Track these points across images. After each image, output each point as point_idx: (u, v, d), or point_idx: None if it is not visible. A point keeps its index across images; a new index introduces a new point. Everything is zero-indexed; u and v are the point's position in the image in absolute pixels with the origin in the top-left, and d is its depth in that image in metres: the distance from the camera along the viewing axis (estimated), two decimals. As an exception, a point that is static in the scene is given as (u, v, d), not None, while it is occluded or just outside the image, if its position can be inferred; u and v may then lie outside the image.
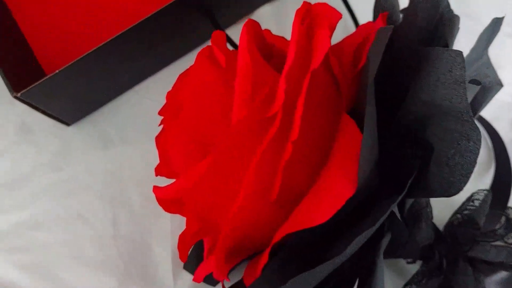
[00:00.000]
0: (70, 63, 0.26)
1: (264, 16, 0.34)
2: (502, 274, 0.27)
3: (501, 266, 0.27)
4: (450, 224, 0.26)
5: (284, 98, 0.18)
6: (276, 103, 0.18)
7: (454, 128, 0.17)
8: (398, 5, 0.25)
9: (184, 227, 0.31)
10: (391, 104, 0.19)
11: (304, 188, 0.20)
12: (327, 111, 0.21)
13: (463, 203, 0.26)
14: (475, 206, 0.25)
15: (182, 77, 0.24)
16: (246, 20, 0.29)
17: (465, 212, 0.25)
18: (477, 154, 0.16)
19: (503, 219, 0.26)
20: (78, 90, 0.30)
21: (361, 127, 0.19)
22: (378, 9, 0.26)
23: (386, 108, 0.19)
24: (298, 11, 0.22)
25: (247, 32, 0.21)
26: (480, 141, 0.16)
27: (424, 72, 0.17)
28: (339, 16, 0.21)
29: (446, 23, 0.18)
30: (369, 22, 0.24)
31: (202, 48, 0.23)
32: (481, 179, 0.30)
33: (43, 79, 0.26)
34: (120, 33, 0.27)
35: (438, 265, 0.25)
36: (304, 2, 0.22)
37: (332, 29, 0.20)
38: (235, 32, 0.33)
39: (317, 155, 0.20)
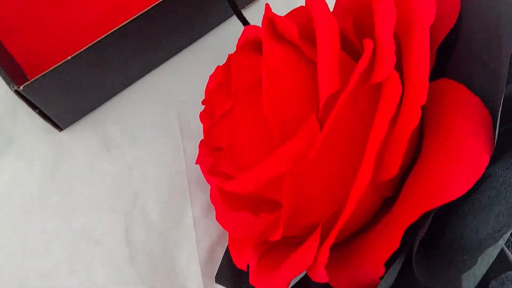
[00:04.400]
0: (73, 55, 0.22)
1: (269, 1, 0.32)
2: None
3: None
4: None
5: (395, 59, 0.16)
6: (386, 66, 0.16)
7: None
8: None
9: (209, 234, 0.28)
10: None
11: (409, 160, 0.18)
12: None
13: None
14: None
15: (238, 56, 0.21)
16: (254, 3, 0.27)
17: None
18: None
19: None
20: (75, 87, 0.25)
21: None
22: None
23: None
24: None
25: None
26: None
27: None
28: None
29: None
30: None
31: (262, 23, 0.20)
32: None
33: (47, 71, 0.21)
34: (123, 24, 0.23)
35: None
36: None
37: None
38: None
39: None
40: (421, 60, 0.16)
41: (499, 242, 0.13)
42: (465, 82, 0.18)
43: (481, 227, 0.16)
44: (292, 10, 0.23)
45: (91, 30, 0.28)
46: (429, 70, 0.15)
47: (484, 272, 0.13)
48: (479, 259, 0.13)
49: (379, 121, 0.16)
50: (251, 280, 0.22)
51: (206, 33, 0.30)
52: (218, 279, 0.27)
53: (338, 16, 0.23)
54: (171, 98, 0.29)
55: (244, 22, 0.28)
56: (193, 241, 0.27)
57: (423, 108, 0.19)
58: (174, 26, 0.27)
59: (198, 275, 0.27)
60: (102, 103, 0.28)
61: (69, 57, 0.21)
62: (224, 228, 0.24)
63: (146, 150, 0.28)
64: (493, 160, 0.18)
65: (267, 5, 0.21)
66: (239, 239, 0.23)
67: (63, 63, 0.21)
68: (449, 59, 0.20)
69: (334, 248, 0.20)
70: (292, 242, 0.20)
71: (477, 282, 0.13)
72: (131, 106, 0.28)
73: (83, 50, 0.22)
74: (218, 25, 0.31)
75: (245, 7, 0.31)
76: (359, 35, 0.21)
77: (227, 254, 0.27)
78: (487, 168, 0.18)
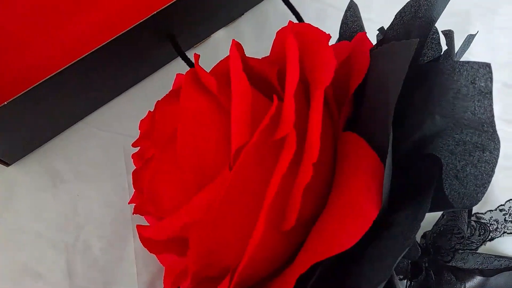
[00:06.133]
0: (16, 96, 0.23)
1: (220, 40, 0.33)
2: (478, 279, 0.28)
3: (475, 271, 0.28)
4: (431, 235, 0.26)
5: (294, 118, 0.17)
6: (286, 124, 0.17)
7: (468, 140, 0.17)
8: (364, 27, 0.26)
9: (150, 268, 0.29)
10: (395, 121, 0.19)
11: (315, 211, 0.19)
12: (325, 130, 0.20)
13: (442, 215, 0.27)
14: (455, 215, 0.26)
15: (162, 105, 0.22)
16: (204, 42, 0.28)
17: (446, 222, 0.26)
18: (494, 164, 0.16)
19: (475, 226, 0.28)
20: (22, 124, 0.26)
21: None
22: (345, 31, 0.26)
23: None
24: (286, 29, 0.22)
25: (238, 55, 0.20)
26: (498, 150, 0.16)
27: (438, 86, 0.17)
28: (328, 36, 0.21)
29: (447, 37, 0.18)
30: (344, 42, 0.24)
31: (185, 73, 0.21)
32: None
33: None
34: (69, 64, 0.24)
35: (425, 278, 0.26)
36: (289, 22, 0.22)
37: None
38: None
39: (324, 176, 0.19)
40: (314, 122, 0.17)
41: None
42: (368, 134, 0.19)
43: (374, 276, 0.17)
44: (225, 57, 0.25)
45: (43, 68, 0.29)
46: (320, 130, 0.17)
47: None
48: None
49: (274, 177, 0.17)
50: None
51: (156, 70, 0.31)
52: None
53: (269, 63, 0.24)
54: (118, 135, 0.30)
55: (189, 63, 0.29)
56: (134, 276, 0.28)
57: (335, 159, 0.20)
58: (121, 66, 0.28)
59: (137, 309, 0.27)
60: (50, 139, 0.29)
61: (6, 102, 0.22)
62: (161, 263, 0.25)
63: (92, 186, 0.29)
64: (400, 207, 0.19)
65: (195, 56, 0.23)
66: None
67: (0, 107, 0.22)
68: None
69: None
70: (213, 280, 0.21)
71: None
72: (78, 142, 0.29)
73: (21, 95, 0.23)
74: (168, 62, 0.32)
75: (195, 46, 0.32)
76: (281, 84, 0.22)
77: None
78: (389, 216, 0.19)
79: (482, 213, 0.31)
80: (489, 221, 0.31)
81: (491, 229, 0.30)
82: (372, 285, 0.15)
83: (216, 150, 0.19)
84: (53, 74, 0.23)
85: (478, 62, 0.15)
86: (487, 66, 0.15)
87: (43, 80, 0.23)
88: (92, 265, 0.28)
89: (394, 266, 0.15)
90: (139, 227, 0.20)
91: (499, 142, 0.16)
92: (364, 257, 0.18)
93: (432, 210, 0.19)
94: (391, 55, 0.17)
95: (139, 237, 0.21)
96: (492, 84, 0.15)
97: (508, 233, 0.30)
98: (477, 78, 0.15)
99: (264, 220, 0.16)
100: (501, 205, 0.31)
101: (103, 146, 0.30)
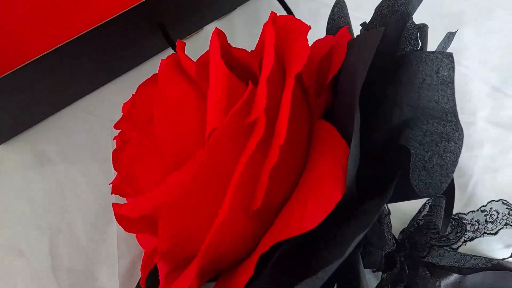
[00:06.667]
0: (6, 74, 0.24)
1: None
2: (454, 277, 0.28)
3: (453, 269, 0.28)
4: (408, 230, 0.27)
5: (266, 102, 0.18)
6: (258, 108, 0.18)
7: (434, 130, 0.17)
8: (350, 23, 0.26)
9: (131, 251, 0.29)
10: (366, 110, 0.19)
11: (285, 195, 0.19)
12: (300, 118, 0.21)
13: (419, 210, 0.27)
14: (431, 211, 0.26)
15: (143, 88, 0.22)
16: (196, 33, 0.29)
17: (422, 218, 0.26)
18: (458, 154, 0.17)
19: (453, 223, 0.28)
20: (12, 104, 0.27)
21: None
22: (332, 26, 0.26)
23: (362, 114, 0.19)
24: (268, 22, 0.22)
25: (218, 41, 0.21)
26: (462, 140, 0.16)
27: (406, 76, 0.17)
28: (307, 27, 0.21)
29: (420, 31, 0.19)
30: (328, 36, 0.25)
31: (166, 58, 0.22)
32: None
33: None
34: (59, 45, 0.25)
35: (399, 272, 0.26)
36: (272, 12, 0.22)
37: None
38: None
39: (296, 161, 0.19)
40: (283, 107, 0.17)
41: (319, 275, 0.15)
42: (340, 123, 0.19)
43: (330, 256, 0.17)
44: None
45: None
46: (288, 114, 0.17)
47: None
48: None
49: (242, 157, 0.17)
50: None
51: (147, 60, 0.32)
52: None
53: (253, 54, 0.25)
54: (107, 121, 0.30)
55: (179, 52, 0.30)
56: (115, 258, 0.28)
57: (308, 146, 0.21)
58: (111, 53, 0.29)
59: (117, 290, 0.28)
60: (39, 122, 0.30)
61: (-5, 80, 0.23)
62: (141, 246, 0.26)
63: (79, 169, 0.29)
64: (372, 197, 0.19)
65: (179, 42, 0.23)
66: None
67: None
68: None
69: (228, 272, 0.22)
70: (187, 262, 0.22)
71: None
72: (67, 125, 0.30)
73: (10, 73, 0.23)
74: (159, 52, 0.32)
75: (186, 37, 0.33)
76: None
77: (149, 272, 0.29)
78: (361, 206, 0.19)
79: (464, 214, 0.32)
80: (471, 221, 0.31)
81: (471, 229, 0.30)
82: (327, 264, 0.15)
83: (194, 133, 0.20)
84: (39, 55, 0.24)
85: (443, 52, 0.15)
86: (450, 56, 0.15)
87: (30, 60, 0.24)
88: (75, 246, 0.28)
89: (349, 247, 0.15)
90: (114, 205, 0.21)
91: (462, 132, 0.16)
92: (328, 240, 0.18)
93: (399, 200, 0.19)
94: (360, 45, 0.18)
95: (114, 214, 0.21)
96: (454, 74, 0.15)
97: (487, 234, 0.30)
98: (441, 68, 0.15)
99: (230, 199, 0.17)
100: (483, 206, 0.31)
101: (91, 131, 0.30)
